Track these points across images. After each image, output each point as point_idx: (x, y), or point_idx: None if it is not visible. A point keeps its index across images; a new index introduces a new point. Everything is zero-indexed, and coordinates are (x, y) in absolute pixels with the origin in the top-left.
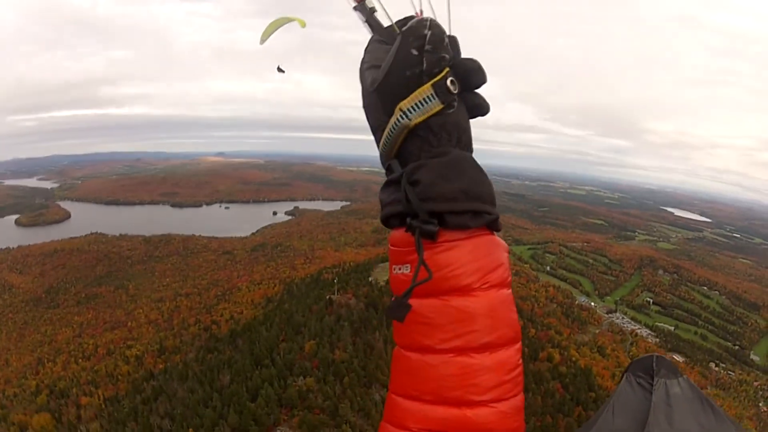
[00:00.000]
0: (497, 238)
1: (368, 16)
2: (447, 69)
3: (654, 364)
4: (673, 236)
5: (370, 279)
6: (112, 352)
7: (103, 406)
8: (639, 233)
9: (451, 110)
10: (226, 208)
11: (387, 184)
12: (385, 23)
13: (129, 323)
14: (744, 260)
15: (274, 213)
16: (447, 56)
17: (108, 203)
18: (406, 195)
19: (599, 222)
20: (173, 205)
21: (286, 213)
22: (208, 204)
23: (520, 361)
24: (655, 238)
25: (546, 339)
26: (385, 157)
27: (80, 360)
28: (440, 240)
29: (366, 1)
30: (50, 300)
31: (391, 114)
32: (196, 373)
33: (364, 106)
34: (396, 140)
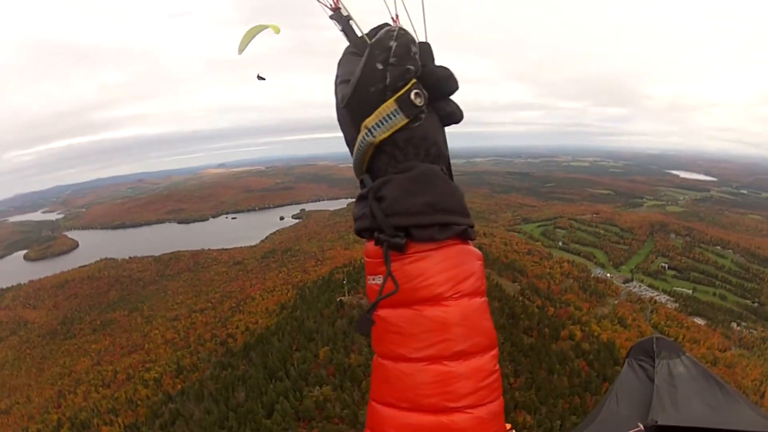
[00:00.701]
0: (470, 248)
1: (344, 24)
2: (413, 81)
3: (654, 346)
4: (681, 198)
5: None
6: (132, 376)
7: None
8: (647, 199)
9: (418, 123)
10: (233, 218)
11: (359, 199)
12: (363, 31)
13: (146, 345)
14: (753, 216)
15: (281, 218)
16: (412, 67)
17: (114, 227)
18: (371, 211)
19: (606, 192)
20: (180, 222)
21: (293, 216)
22: (214, 216)
23: (497, 367)
24: (663, 203)
25: (566, 316)
26: (357, 172)
27: (100, 388)
28: (410, 251)
29: (342, 9)
30: (66, 331)
31: (359, 130)
32: (211, 392)
33: (338, 120)
34: (363, 157)
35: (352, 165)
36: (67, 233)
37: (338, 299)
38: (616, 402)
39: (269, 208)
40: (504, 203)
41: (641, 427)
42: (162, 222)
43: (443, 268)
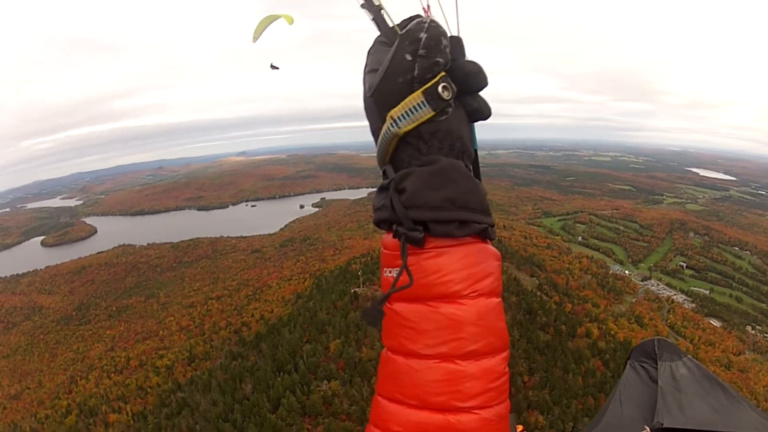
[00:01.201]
0: (489, 247)
1: (375, 14)
2: (441, 74)
3: (656, 348)
4: (701, 197)
5: None
6: (144, 363)
7: (131, 422)
8: (667, 196)
9: (444, 117)
10: (253, 206)
11: (380, 189)
12: (394, 21)
13: (160, 332)
14: None
15: (301, 206)
16: (442, 60)
17: (134, 214)
18: (391, 202)
19: (626, 188)
20: (199, 209)
21: (313, 205)
22: (234, 204)
23: (507, 369)
24: (683, 200)
25: (583, 313)
26: (380, 163)
27: (112, 374)
28: (429, 246)
29: None
30: (81, 317)
31: (384, 120)
32: (219, 383)
33: (365, 110)
34: (387, 148)
35: (374, 155)
36: (85, 219)
37: (352, 290)
38: (620, 404)
39: (289, 196)
40: (525, 196)
41: (647, 429)
42: (181, 209)
43: (462, 266)
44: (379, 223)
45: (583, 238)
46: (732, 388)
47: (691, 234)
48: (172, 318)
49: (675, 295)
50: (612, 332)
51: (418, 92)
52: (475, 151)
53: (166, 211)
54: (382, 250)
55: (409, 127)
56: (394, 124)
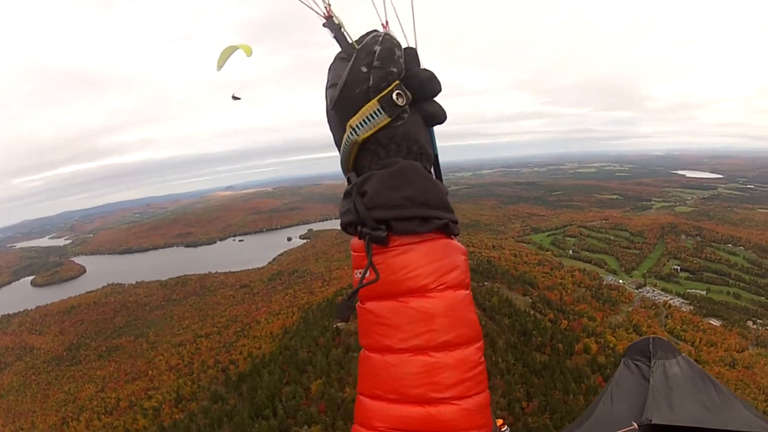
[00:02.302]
0: (454, 242)
1: (336, 32)
2: (396, 82)
3: (650, 346)
4: (689, 198)
5: None
6: (134, 404)
7: None
8: (655, 201)
9: (400, 122)
10: (240, 240)
11: (345, 195)
12: (352, 38)
13: (150, 372)
14: (762, 210)
15: (289, 239)
16: (395, 70)
17: (122, 252)
18: (355, 205)
19: (614, 197)
20: (187, 245)
21: (301, 237)
22: (221, 239)
23: (482, 359)
24: (671, 203)
25: (579, 329)
26: (344, 171)
27: (103, 416)
28: (394, 244)
29: (334, 18)
30: (71, 357)
31: (345, 130)
32: (200, 427)
33: (328, 123)
34: (349, 155)
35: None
36: (74, 259)
37: (334, 326)
38: (610, 402)
39: (277, 229)
40: (512, 214)
41: (635, 425)
42: (170, 246)
43: (427, 260)
44: (345, 227)
45: (574, 251)
46: (725, 387)
47: (683, 236)
48: (162, 357)
49: (671, 299)
50: (611, 345)
51: (374, 101)
52: (436, 155)
53: (155, 248)
54: (352, 253)
55: (368, 134)
56: (353, 133)
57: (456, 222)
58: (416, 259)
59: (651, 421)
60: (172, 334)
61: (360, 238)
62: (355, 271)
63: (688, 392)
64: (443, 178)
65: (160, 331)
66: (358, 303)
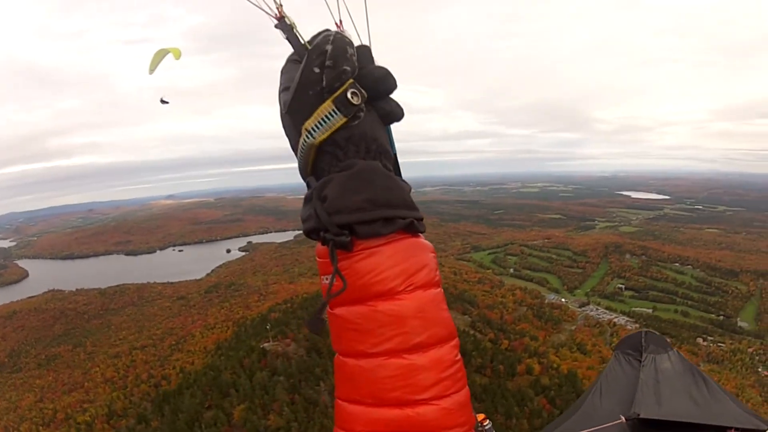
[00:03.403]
0: (420, 240)
1: (288, 33)
2: (350, 81)
3: (643, 340)
4: (634, 218)
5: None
6: (70, 416)
7: None
8: (599, 221)
9: (357, 122)
10: (180, 251)
11: (305, 201)
12: (305, 40)
13: (86, 383)
14: (711, 230)
15: (228, 251)
16: (348, 68)
17: (64, 258)
18: (316, 211)
19: (556, 216)
20: (127, 254)
21: (240, 249)
22: (161, 249)
23: (458, 357)
24: (616, 223)
25: (521, 348)
26: (302, 175)
27: (41, 428)
28: (358, 248)
29: (285, 18)
30: (13, 364)
31: (301, 134)
32: None
33: (283, 128)
34: (307, 159)
35: (301, 197)
36: (18, 262)
37: (261, 346)
38: (599, 396)
39: (216, 240)
40: (453, 232)
41: (623, 419)
42: (110, 253)
43: (394, 262)
44: (309, 234)
45: (515, 270)
46: (715, 383)
47: (627, 255)
48: (98, 369)
49: (616, 317)
50: (555, 365)
51: (328, 101)
52: (395, 153)
53: (95, 255)
54: (317, 259)
55: (324, 136)
56: (309, 136)
57: (421, 219)
58: (382, 261)
59: (639, 415)
60: (109, 345)
61: (323, 245)
62: (322, 277)
63: (677, 387)
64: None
65: (97, 341)
66: (328, 309)
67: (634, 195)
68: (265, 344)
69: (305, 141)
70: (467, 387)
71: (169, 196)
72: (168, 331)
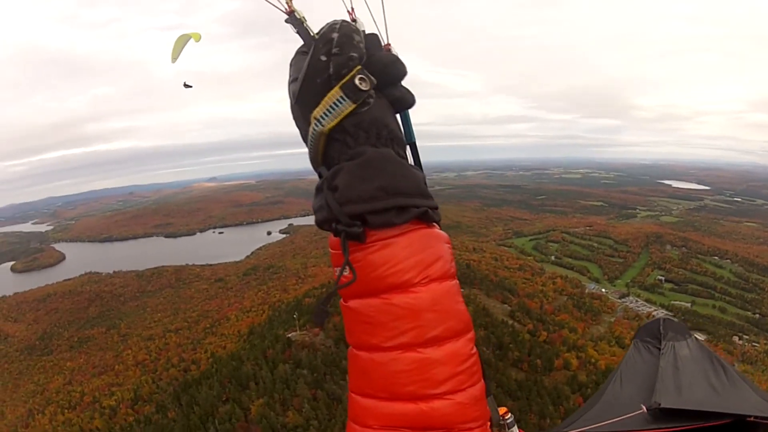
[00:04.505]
0: (435, 231)
1: (299, 27)
2: (357, 67)
3: (661, 328)
4: (675, 208)
5: None
6: (96, 400)
7: None
8: (640, 210)
9: (366, 108)
10: (220, 233)
11: (316, 191)
12: (314, 32)
13: (116, 366)
14: (749, 223)
15: (269, 233)
16: (356, 55)
17: (102, 241)
18: (327, 201)
19: (598, 204)
20: (167, 236)
21: (281, 231)
22: (201, 231)
23: (474, 350)
24: (657, 213)
25: (560, 341)
26: (313, 165)
27: (66, 411)
28: (372, 239)
29: (296, 12)
30: (44, 347)
31: (310, 123)
32: None
33: (294, 119)
34: (317, 148)
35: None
36: (55, 245)
37: (287, 336)
38: (620, 384)
39: (257, 222)
40: (495, 217)
41: (644, 409)
42: (149, 236)
43: (408, 253)
44: (321, 225)
45: (556, 257)
46: (735, 370)
47: (668, 246)
48: (130, 351)
49: (655, 311)
50: (593, 360)
51: (336, 88)
52: (413, 142)
53: (135, 237)
54: (330, 251)
55: (333, 123)
56: (318, 124)
57: (436, 208)
58: (397, 252)
59: (660, 405)
60: (143, 327)
61: (335, 236)
62: (335, 269)
63: (696, 375)
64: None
65: (131, 323)
66: (341, 301)
67: (675, 184)
68: (292, 333)
69: (314, 129)
70: (482, 381)
71: (212, 179)
72: (203, 313)
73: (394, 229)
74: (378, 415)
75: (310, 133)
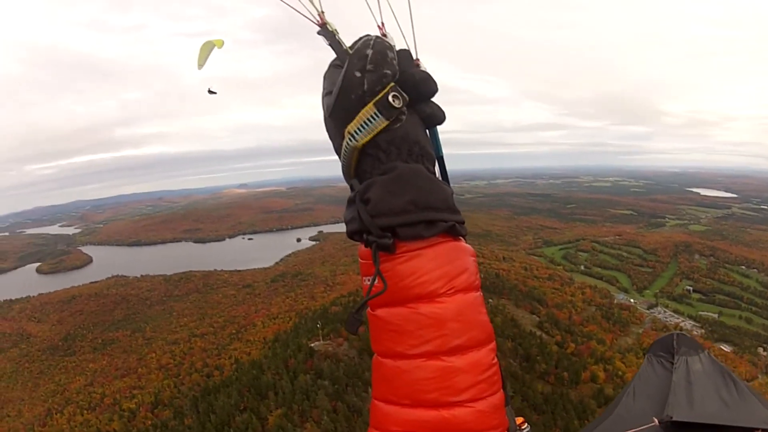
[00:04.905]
0: (461, 244)
1: (331, 39)
2: (391, 84)
3: (674, 342)
4: (703, 217)
5: None
6: (117, 402)
7: None
8: (669, 218)
9: (398, 124)
10: (249, 239)
11: (348, 203)
12: (346, 45)
13: (139, 369)
14: None
15: (298, 240)
16: (389, 72)
17: (130, 245)
18: (359, 213)
19: (628, 212)
20: (196, 241)
21: (310, 238)
22: (230, 237)
23: (495, 360)
24: (685, 221)
25: (587, 353)
26: (346, 178)
27: (85, 411)
28: (401, 251)
29: (328, 25)
30: (67, 347)
31: (344, 137)
32: None
33: (327, 131)
34: (350, 162)
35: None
36: (82, 248)
37: (310, 345)
38: (633, 397)
39: (287, 229)
40: (525, 225)
41: (656, 422)
42: (178, 241)
43: (435, 265)
44: (352, 235)
45: (585, 267)
46: (746, 384)
47: (696, 256)
48: (154, 355)
49: (683, 321)
50: (620, 373)
51: (370, 105)
52: (441, 156)
53: (163, 242)
54: (360, 260)
55: (366, 139)
56: (351, 139)
57: (462, 222)
58: (424, 264)
59: (672, 418)
60: (168, 331)
61: (366, 246)
62: (364, 278)
63: (708, 389)
64: (451, 183)
65: (157, 327)
66: (369, 310)
67: (704, 192)
68: (315, 343)
69: (348, 144)
70: (502, 390)
71: (242, 185)
72: (230, 319)
73: (422, 241)
74: (400, 421)
75: (343, 147)
